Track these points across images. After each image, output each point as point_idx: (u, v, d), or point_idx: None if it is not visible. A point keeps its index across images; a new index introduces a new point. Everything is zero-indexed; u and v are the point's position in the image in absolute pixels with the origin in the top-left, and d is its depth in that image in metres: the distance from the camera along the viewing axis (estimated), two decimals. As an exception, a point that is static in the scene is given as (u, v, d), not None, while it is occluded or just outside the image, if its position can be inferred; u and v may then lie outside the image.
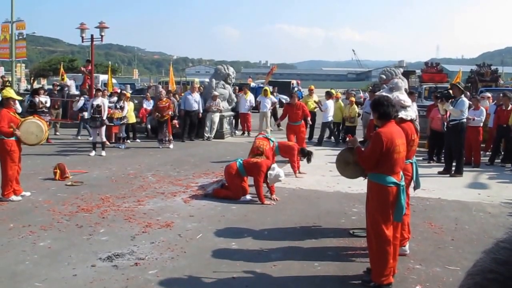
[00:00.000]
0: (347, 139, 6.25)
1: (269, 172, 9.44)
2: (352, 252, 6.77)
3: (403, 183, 5.62)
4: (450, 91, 12.78)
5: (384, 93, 6.80)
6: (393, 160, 5.42)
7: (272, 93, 23.57)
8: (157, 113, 16.82)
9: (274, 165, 9.68)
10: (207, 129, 18.96)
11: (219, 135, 19.26)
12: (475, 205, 9.42)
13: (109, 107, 15.48)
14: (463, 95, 12.32)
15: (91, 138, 15.70)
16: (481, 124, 13.89)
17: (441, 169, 12.71)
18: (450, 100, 12.17)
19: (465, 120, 12.24)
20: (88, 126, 15.78)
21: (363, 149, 5.82)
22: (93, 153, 14.62)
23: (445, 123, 12.81)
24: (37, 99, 16.85)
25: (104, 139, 15.06)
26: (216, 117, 19.08)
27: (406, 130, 6.28)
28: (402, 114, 6.47)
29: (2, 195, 9.17)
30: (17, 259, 6.23)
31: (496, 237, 1.07)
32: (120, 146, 16.33)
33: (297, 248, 6.87)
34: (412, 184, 6.83)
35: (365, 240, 6.14)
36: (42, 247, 6.69)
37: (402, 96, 6.96)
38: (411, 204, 7.55)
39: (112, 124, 16.09)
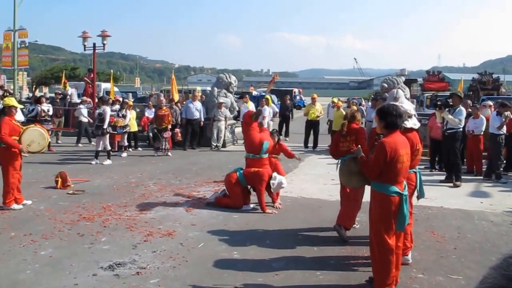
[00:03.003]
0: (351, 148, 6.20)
1: (271, 181, 9.42)
2: (354, 261, 6.75)
3: (406, 192, 5.60)
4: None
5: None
6: (397, 169, 5.40)
7: (273, 102, 23.59)
8: (156, 122, 16.94)
9: (275, 174, 9.65)
10: (214, 137, 18.93)
11: (222, 144, 19.23)
12: (478, 214, 9.39)
13: (111, 115, 15.50)
14: (460, 104, 12.29)
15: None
16: (482, 133, 13.84)
17: (443, 177, 12.68)
18: (448, 109, 12.15)
19: (461, 129, 12.23)
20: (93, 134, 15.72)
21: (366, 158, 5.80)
22: (94, 162, 14.62)
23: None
24: (39, 108, 16.89)
25: (109, 148, 15.08)
26: (223, 125, 19.07)
27: (411, 139, 6.28)
28: (410, 124, 6.47)
29: (4, 203, 9.15)
30: (18, 268, 6.22)
31: (501, 249, 1.05)
32: (121, 155, 16.32)
33: (299, 257, 6.85)
34: (416, 194, 6.82)
35: (368, 249, 6.12)
36: (43, 256, 6.67)
37: (406, 105, 6.96)
38: (414, 213, 7.52)
39: (116, 132, 16.09)
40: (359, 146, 6.07)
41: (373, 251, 5.67)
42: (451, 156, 12.25)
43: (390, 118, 5.53)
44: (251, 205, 9.57)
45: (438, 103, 12.98)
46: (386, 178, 5.44)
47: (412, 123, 6.59)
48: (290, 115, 23.84)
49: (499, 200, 10.70)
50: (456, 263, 6.65)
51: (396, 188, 5.45)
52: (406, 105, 7.02)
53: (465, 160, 14.04)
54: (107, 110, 15.38)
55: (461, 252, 7.11)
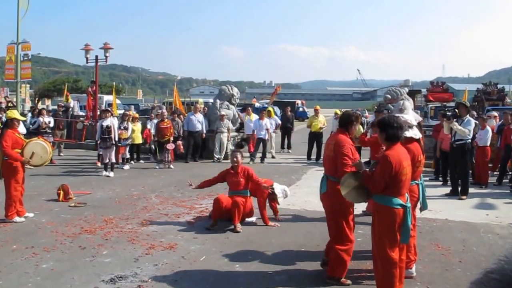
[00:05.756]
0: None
1: (276, 192, 9.39)
2: (358, 274, 6.67)
3: (409, 204, 5.55)
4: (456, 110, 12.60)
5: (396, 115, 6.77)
6: (401, 182, 5.36)
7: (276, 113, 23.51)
8: (158, 135, 16.98)
9: (275, 184, 9.61)
10: (217, 149, 18.86)
11: (224, 156, 19.16)
12: (483, 226, 9.29)
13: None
14: (468, 115, 12.13)
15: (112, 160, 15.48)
16: (488, 144, 13.76)
17: (447, 190, 12.55)
18: (455, 119, 11.99)
19: (470, 140, 12.07)
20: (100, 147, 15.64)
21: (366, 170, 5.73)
22: (104, 173, 14.68)
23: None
24: (41, 120, 16.91)
25: (114, 160, 15.05)
26: (225, 137, 18.97)
27: (412, 150, 6.22)
28: (410, 133, 6.41)
29: (6, 216, 9.13)
30: (19, 281, 6.17)
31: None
32: (123, 167, 16.29)
33: (302, 270, 6.79)
34: (419, 205, 6.75)
35: (371, 262, 6.06)
36: (45, 269, 6.63)
37: (407, 116, 6.90)
38: (418, 225, 7.46)
39: (120, 145, 16.05)
40: (360, 160, 5.98)
41: (376, 264, 5.61)
42: (459, 168, 12.08)
43: (392, 131, 5.49)
44: (254, 218, 9.51)
45: (447, 113, 12.81)
46: (391, 190, 5.39)
47: (413, 133, 6.52)
48: (292, 126, 23.75)
49: (505, 212, 10.59)
50: (462, 277, 6.56)
51: (400, 201, 5.40)
52: (408, 115, 6.96)
53: (470, 171, 13.92)
54: (115, 122, 15.40)
55: (467, 266, 7.02)
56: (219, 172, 9.59)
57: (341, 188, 6.01)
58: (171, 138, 16.95)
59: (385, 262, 5.41)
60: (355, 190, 5.93)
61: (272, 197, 9.54)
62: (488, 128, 13.96)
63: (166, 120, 17.23)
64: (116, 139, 15.07)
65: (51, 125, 17.57)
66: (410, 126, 6.58)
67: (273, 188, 9.40)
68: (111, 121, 15.10)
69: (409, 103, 7.43)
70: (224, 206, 8.91)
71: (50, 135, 17.16)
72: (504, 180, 14.11)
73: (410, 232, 5.57)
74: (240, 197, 9.02)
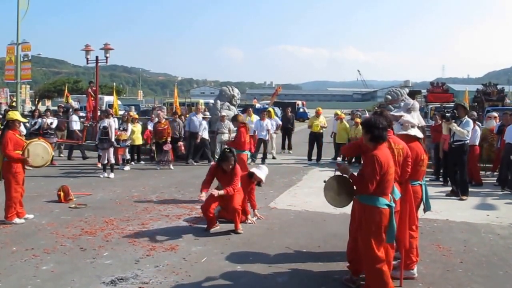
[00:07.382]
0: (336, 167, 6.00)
1: (260, 176, 9.53)
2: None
3: (393, 204, 5.62)
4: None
5: (402, 113, 6.74)
6: (387, 182, 5.43)
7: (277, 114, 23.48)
8: (156, 136, 17.06)
9: (253, 169, 9.76)
10: (217, 150, 18.81)
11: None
12: (484, 227, 9.29)
13: (115, 129, 15.52)
14: (466, 116, 12.12)
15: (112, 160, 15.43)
16: (477, 143, 13.73)
17: (448, 190, 12.54)
18: (454, 120, 11.99)
19: (468, 141, 12.06)
20: (98, 148, 15.60)
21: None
22: (102, 175, 14.71)
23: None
24: (44, 120, 16.91)
25: (113, 161, 15.02)
26: (226, 138, 18.92)
27: (415, 150, 6.24)
28: (414, 132, 6.41)
29: (5, 217, 9.10)
30: (19, 283, 6.15)
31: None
32: (123, 168, 16.27)
33: (303, 271, 6.76)
34: (422, 206, 6.74)
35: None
36: (45, 271, 6.61)
37: (407, 117, 6.89)
38: (419, 226, 7.43)
39: (119, 146, 16.02)
40: (345, 163, 5.93)
41: (366, 266, 5.64)
42: (459, 169, 12.07)
43: (377, 131, 5.48)
44: (254, 218, 9.51)
45: (447, 114, 12.78)
46: (377, 191, 5.41)
47: (416, 131, 6.53)
48: (292, 127, 23.69)
49: (506, 212, 10.59)
50: (463, 277, 6.55)
51: (385, 200, 5.47)
52: (408, 117, 6.95)
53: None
54: (112, 123, 15.38)
55: (468, 266, 7.01)
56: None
57: (324, 192, 5.96)
58: (169, 139, 16.97)
59: (374, 261, 5.45)
60: (337, 195, 5.87)
61: (259, 184, 9.70)
62: (477, 128, 13.93)
63: (163, 121, 17.26)
64: (113, 139, 15.01)
65: (53, 126, 17.56)
66: (413, 126, 6.57)
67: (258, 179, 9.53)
68: (108, 122, 15.08)
69: (418, 105, 7.42)
70: (214, 209, 8.94)
71: (53, 136, 17.17)
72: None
73: (395, 231, 5.61)
74: (236, 194, 8.94)
